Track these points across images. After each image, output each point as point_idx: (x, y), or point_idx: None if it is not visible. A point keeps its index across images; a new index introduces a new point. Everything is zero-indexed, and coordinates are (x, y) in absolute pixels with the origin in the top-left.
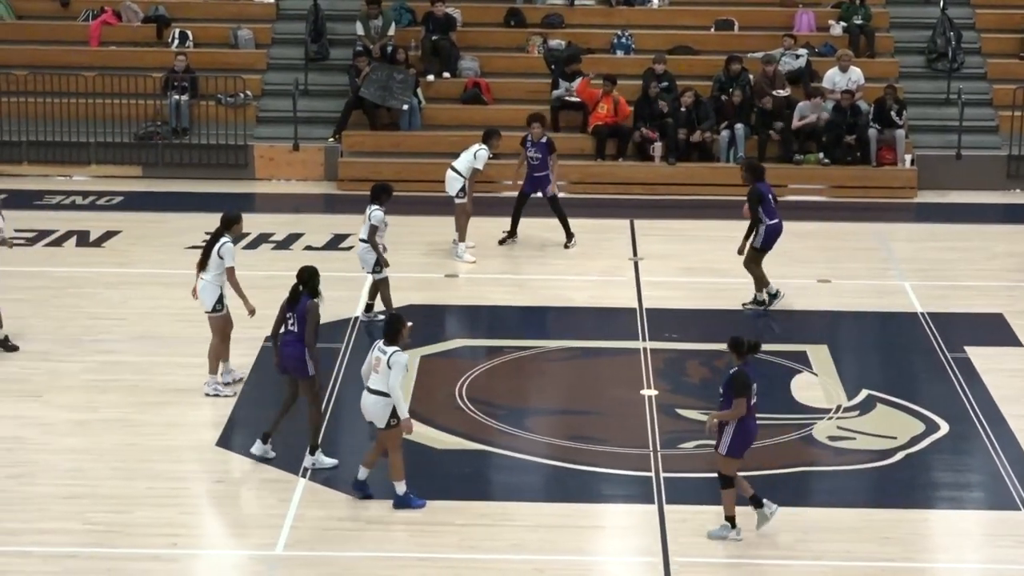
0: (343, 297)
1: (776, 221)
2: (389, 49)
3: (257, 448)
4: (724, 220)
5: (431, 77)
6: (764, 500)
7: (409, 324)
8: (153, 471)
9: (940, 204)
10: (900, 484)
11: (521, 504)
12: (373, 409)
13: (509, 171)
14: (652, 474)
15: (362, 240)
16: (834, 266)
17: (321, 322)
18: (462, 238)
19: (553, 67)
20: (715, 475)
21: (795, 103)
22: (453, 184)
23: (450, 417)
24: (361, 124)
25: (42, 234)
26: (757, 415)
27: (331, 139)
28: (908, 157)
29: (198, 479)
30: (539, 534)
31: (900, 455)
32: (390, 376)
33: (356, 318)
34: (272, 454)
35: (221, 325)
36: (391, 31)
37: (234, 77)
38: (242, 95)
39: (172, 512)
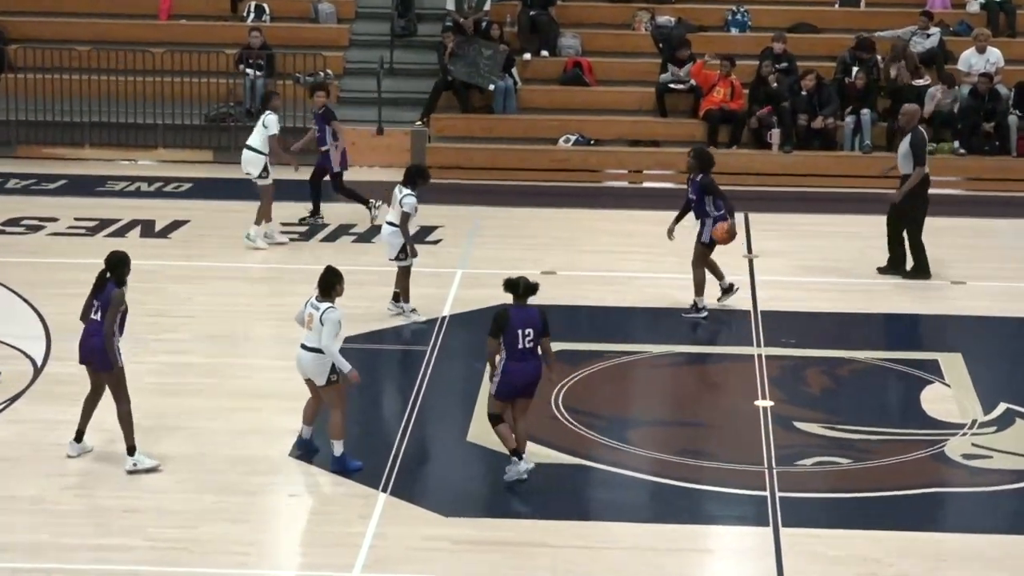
0: (431, 295)
1: (722, 213)
2: (483, 24)
3: (72, 449)
4: (848, 215)
5: (528, 56)
6: (524, 456)
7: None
8: (222, 483)
9: None
10: None
11: (622, 524)
12: (310, 366)
13: (612, 159)
14: (767, 493)
15: (390, 223)
16: (970, 266)
17: (406, 321)
18: (258, 220)
19: (661, 47)
20: (833, 494)
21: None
22: (254, 163)
23: (545, 428)
24: (451, 107)
25: (104, 223)
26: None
27: (418, 122)
28: None
29: (271, 493)
30: (642, 558)
31: None
32: (323, 334)
33: (444, 318)
34: (89, 447)
35: None
36: (486, 5)
37: (314, 54)
38: (322, 74)
39: (242, 528)
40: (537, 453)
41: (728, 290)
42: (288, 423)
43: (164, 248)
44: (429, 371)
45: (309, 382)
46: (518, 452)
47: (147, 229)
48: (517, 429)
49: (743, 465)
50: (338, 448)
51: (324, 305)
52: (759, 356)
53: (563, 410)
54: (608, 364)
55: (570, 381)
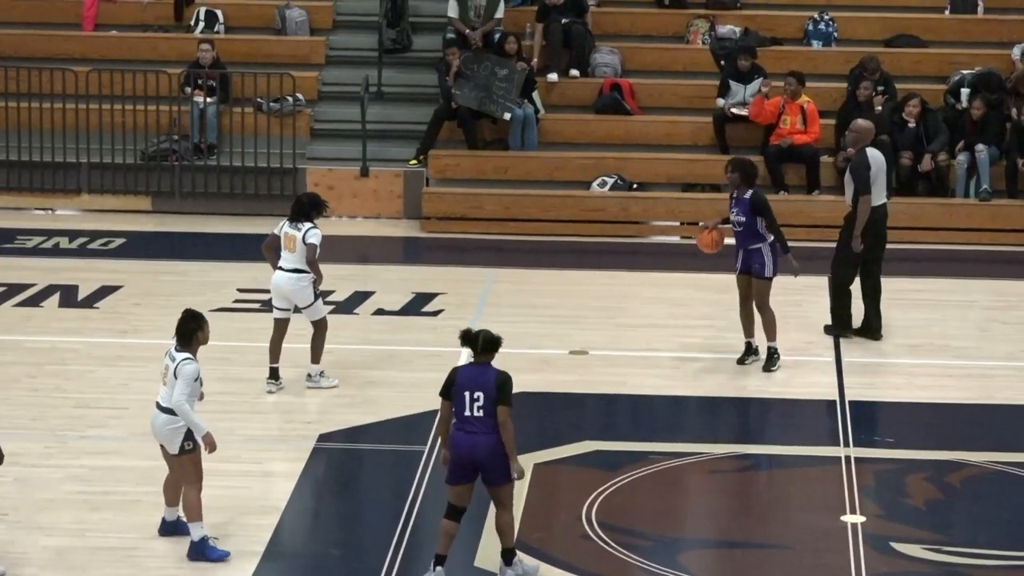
0: (429, 380)
1: (771, 240)
2: (496, 37)
3: None
4: (961, 278)
5: (554, 76)
6: (440, 568)
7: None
8: None
9: None
10: None
11: None
12: (163, 431)
13: (660, 208)
14: None
15: (289, 270)
16: None
17: (400, 414)
18: None
19: (723, 64)
20: None
21: None
22: None
23: (574, 549)
24: (456, 141)
25: (13, 289)
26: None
27: (413, 161)
28: None
29: None
30: None
31: None
32: (175, 388)
33: None
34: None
35: None
36: (498, 12)
37: (280, 74)
38: (291, 99)
39: None
40: None
41: (755, 352)
42: (240, 544)
43: (90, 321)
44: (427, 476)
45: (163, 449)
46: (442, 560)
47: (68, 297)
48: (498, 523)
49: None
50: (196, 531)
51: (182, 355)
52: (847, 459)
53: (597, 527)
54: (654, 469)
55: (607, 490)
